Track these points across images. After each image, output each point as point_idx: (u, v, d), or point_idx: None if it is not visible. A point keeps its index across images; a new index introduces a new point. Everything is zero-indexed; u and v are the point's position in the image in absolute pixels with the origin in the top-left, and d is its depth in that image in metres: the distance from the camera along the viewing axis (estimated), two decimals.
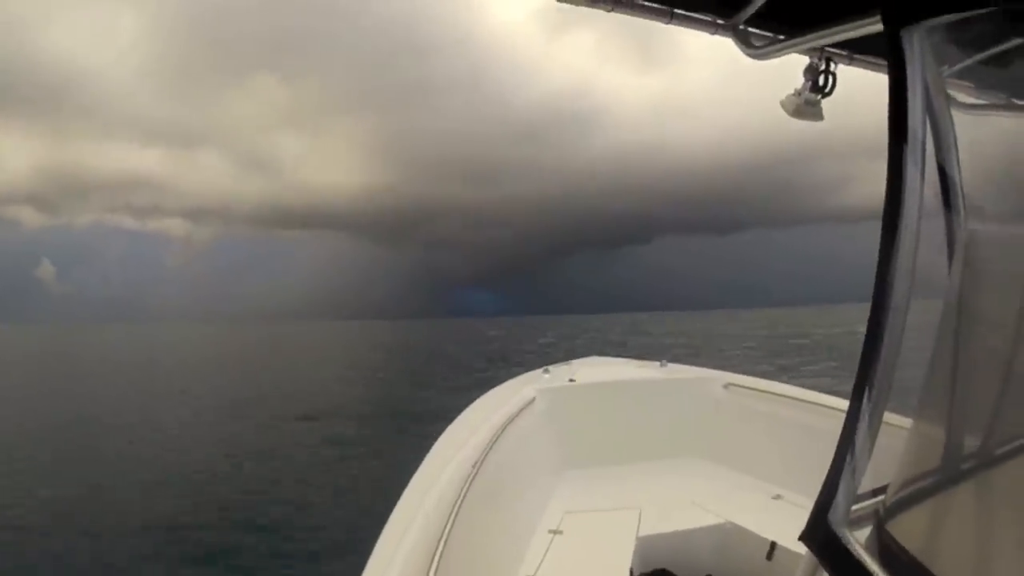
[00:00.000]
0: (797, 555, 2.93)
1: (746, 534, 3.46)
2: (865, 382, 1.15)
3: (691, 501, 3.94)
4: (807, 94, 2.18)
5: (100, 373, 36.79)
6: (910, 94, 1.16)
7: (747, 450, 4.59)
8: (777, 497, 3.94)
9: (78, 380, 32.41)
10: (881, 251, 1.13)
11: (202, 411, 19.75)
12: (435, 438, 3.67)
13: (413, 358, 42.84)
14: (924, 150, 1.17)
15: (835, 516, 1.18)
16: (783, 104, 2.24)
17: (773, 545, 3.27)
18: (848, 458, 1.17)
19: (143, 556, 7.50)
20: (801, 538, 1.25)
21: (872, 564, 1.08)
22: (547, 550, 3.25)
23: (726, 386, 5.13)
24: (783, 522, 3.40)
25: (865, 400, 1.15)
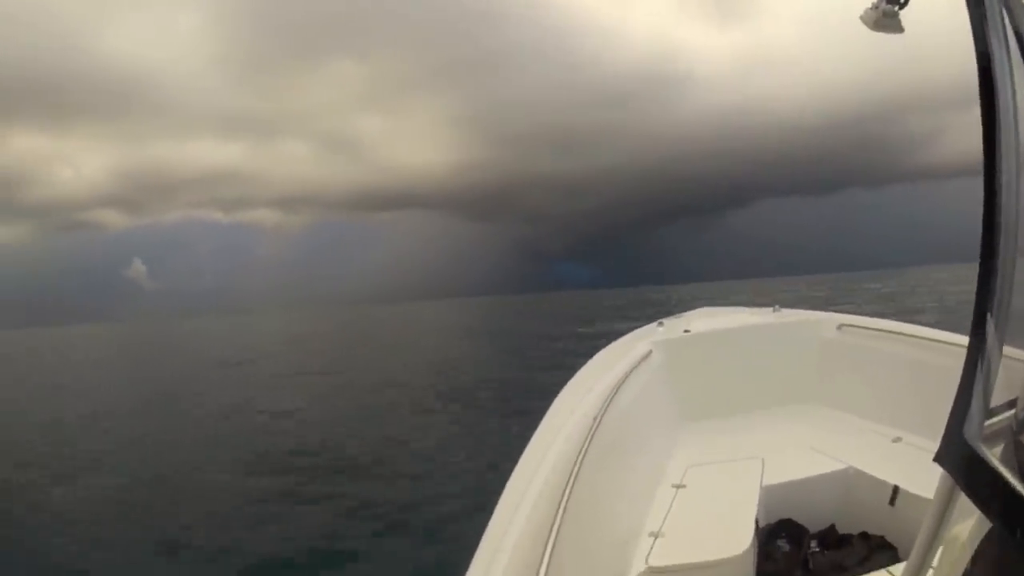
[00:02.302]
0: (920, 499, 2.99)
1: (868, 479, 3.40)
2: (988, 297, 1.13)
3: (811, 447, 3.89)
4: (884, 5, 2.14)
5: (197, 364, 37.85)
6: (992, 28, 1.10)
7: (864, 392, 4.51)
8: (897, 440, 3.87)
9: (174, 372, 33.35)
10: (986, 170, 1.10)
11: (314, 393, 20.09)
12: (553, 397, 3.71)
13: (516, 333, 42.68)
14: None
15: (969, 432, 1.12)
16: (862, 18, 2.21)
17: (896, 489, 3.21)
18: (977, 373, 1.14)
19: (276, 537, 7.77)
20: (936, 459, 1.21)
21: (1011, 477, 1.01)
22: (671, 504, 3.24)
23: (840, 327, 5.03)
24: (904, 465, 3.38)
25: (991, 314, 1.13)
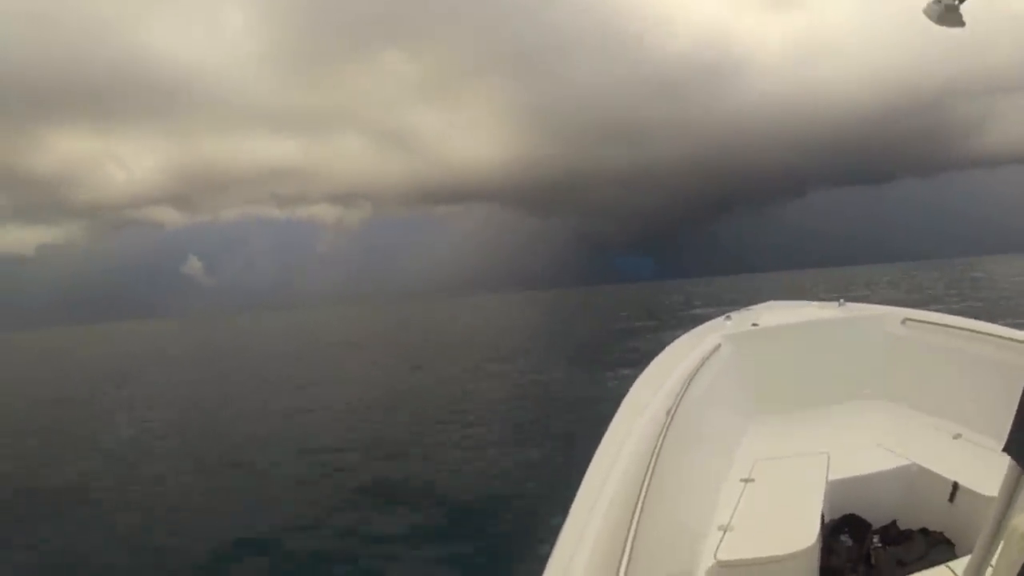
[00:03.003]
0: (979, 496, 3.08)
1: (930, 475, 3.42)
2: None
3: (875, 443, 3.92)
4: (947, 0, 2.19)
5: (253, 359, 38.58)
6: None
7: (927, 387, 4.52)
8: (958, 436, 3.88)
9: (230, 368, 33.94)
10: None
11: (385, 387, 20.31)
12: (625, 390, 3.77)
13: (581, 325, 42.62)
14: None
15: None
16: (926, 12, 2.27)
17: (955, 486, 3.23)
18: None
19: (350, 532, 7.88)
20: (1005, 448, 1.25)
21: None
22: (740, 498, 3.27)
23: (904, 321, 5.03)
24: (965, 462, 3.41)
25: None
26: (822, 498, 3.12)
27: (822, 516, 2.99)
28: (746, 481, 3.48)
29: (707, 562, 2.69)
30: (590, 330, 37.92)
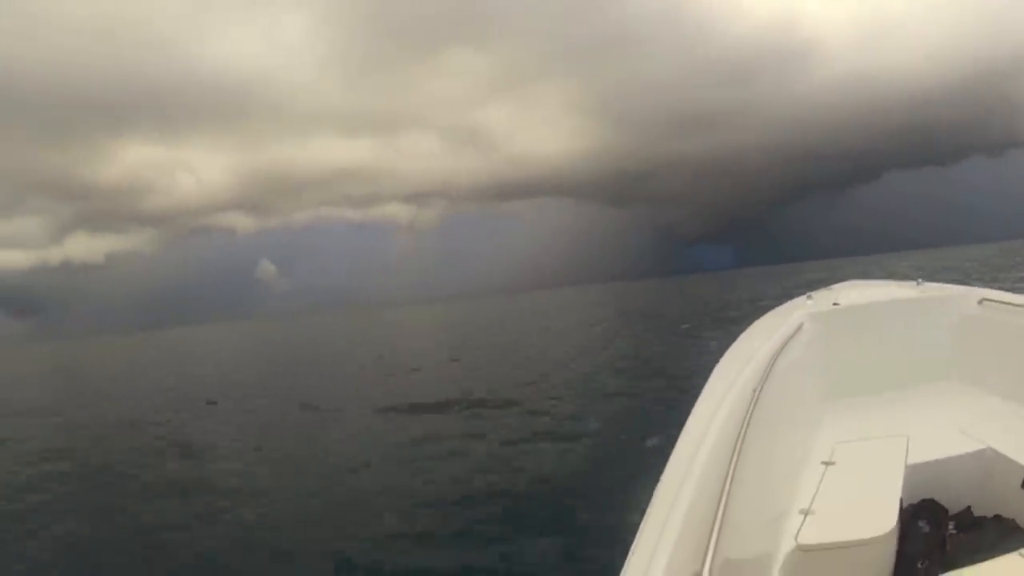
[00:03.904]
0: None
1: (1005, 460, 3.39)
2: None
3: (952, 426, 3.89)
4: None
5: (327, 358, 39.25)
6: None
7: (1004, 369, 4.45)
8: None
9: (301, 367, 34.58)
10: None
11: (476, 379, 20.67)
12: (711, 368, 3.84)
13: (662, 316, 42.45)
14: None
15: None
16: None
17: None
18: None
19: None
20: None
21: None
22: (820, 481, 3.26)
23: (981, 302, 4.97)
24: None
25: None
26: (901, 483, 3.12)
27: (900, 501, 2.99)
28: (826, 464, 3.47)
29: (788, 544, 2.73)
30: (667, 319, 37.76)
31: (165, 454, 14.15)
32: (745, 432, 2.73)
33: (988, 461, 3.49)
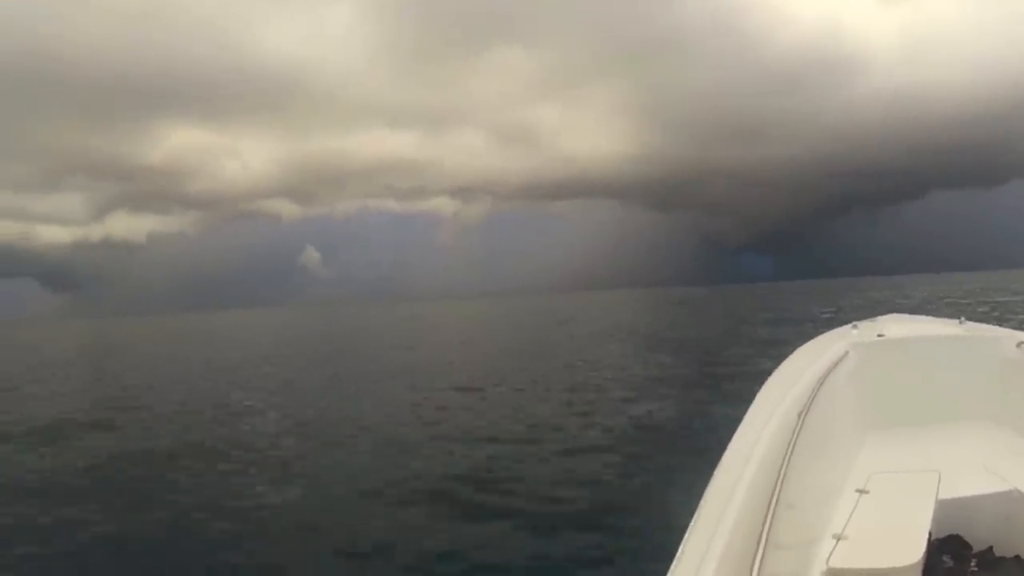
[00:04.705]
0: None
1: None
2: None
3: (984, 466, 3.95)
4: None
5: (366, 347, 40.18)
6: None
7: None
8: None
9: (338, 354, 35.33)
10: None
11: (519, 380, 20.57)
12: (755, 392, 3.93)
13: (704, 325, 42.37)
14: None
15: None
16: None
17: None
18: None
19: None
20: None
21: None
22: (854, 508, 3.33)
23: (1020, 344, 5.01)
24: None
25: None
26: (930, 516, 3.18)
27: (929, 534, 3.05)
28: (861, 492, 3.56)
29: (819, 567, 2.83)
30: (717, 331, 37.58)
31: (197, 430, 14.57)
32: (789, 455, 2.84)
33: (1014, 502, 3.55)
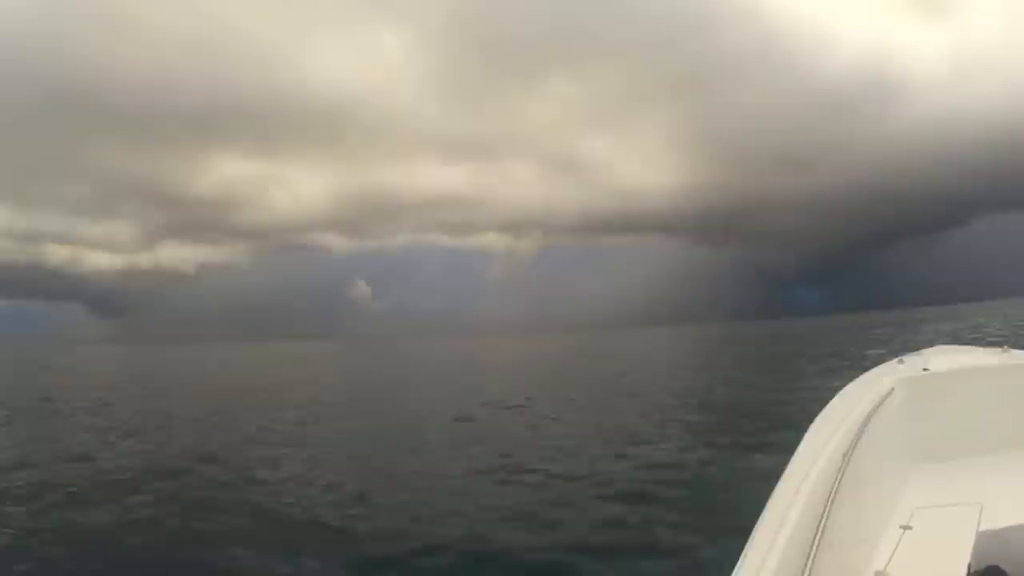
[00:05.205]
0: None
1: None
2: None
3: None
4: None
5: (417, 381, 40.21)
6: None
7: None
8: None
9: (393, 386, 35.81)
10: None
11: (574, 420, 20.54)
12: (803, 430, 3.96)
13: (758, 360, 42.09)
14: None
15: None
16: None
17: None
18: None
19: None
20: None
21: None
22: (897, 544, 3.32)
23: None
24: None
25: None
26: (971, 549, 3.19)
27: (968, 566, 3.07)
28: (904, 528, 3.55)
29: None
30: (763, 365, 37.44)
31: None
32: (834, 494, 2.86)
33: None
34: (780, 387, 24.35)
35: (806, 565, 2.23)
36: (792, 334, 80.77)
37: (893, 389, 4.96)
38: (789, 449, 3.59)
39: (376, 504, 10.98)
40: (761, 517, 2.68)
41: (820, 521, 2.57)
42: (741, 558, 2.33)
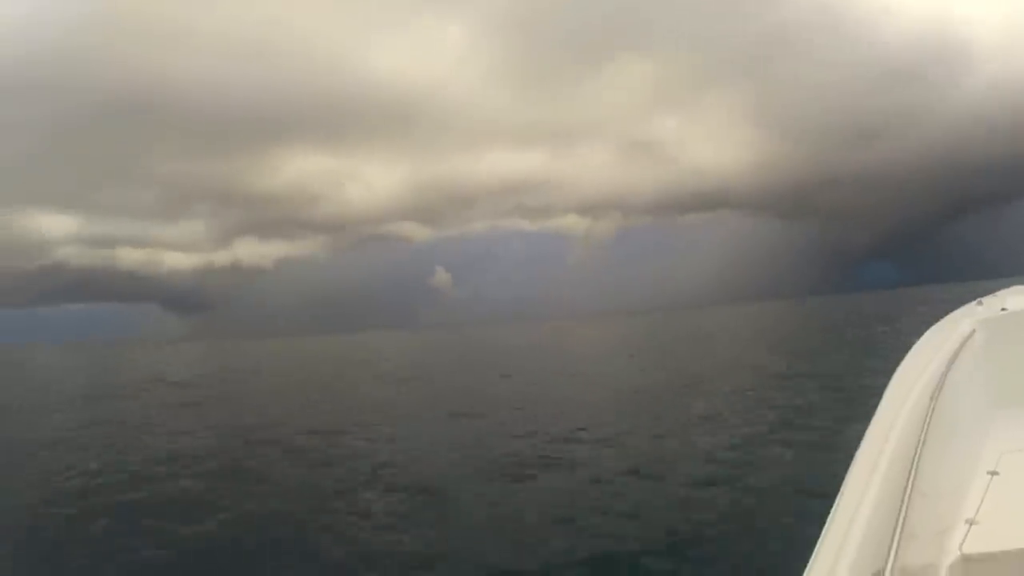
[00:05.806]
0: None
1: None
2: None
3: None
4: None
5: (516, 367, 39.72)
6: None
7: None
8: None
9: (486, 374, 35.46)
10: None
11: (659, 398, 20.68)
12: (887, 377, 3.88)
13: (838, 336, 41.43)
14: None
15: None
16: None
17: None
18: None
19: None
20: None
21: None
22: (986, 491, 3.17)
23: None
24: None
25: None
26: None
27: None
28: (992, 474, 3.37)
29: (952, 554, 2.67)
30: (852, 338, 37.05)
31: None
32: (923, 442, 2.80)
33: None
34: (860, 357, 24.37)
35: (900, 513, 2.18)
36: (871, 310, 78.42)
37: (974, 331, 4.80)
38: (874, 398, 3.52)
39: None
40: (852, 464, 2.65)
41: (911, 467, 2.54)
42: (832, 510, 2.30)
